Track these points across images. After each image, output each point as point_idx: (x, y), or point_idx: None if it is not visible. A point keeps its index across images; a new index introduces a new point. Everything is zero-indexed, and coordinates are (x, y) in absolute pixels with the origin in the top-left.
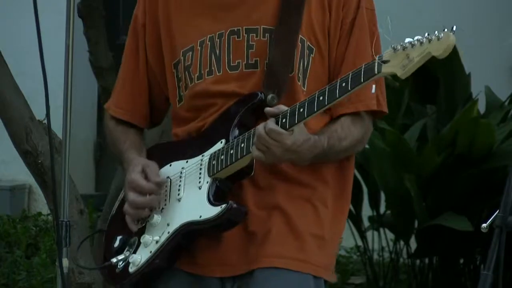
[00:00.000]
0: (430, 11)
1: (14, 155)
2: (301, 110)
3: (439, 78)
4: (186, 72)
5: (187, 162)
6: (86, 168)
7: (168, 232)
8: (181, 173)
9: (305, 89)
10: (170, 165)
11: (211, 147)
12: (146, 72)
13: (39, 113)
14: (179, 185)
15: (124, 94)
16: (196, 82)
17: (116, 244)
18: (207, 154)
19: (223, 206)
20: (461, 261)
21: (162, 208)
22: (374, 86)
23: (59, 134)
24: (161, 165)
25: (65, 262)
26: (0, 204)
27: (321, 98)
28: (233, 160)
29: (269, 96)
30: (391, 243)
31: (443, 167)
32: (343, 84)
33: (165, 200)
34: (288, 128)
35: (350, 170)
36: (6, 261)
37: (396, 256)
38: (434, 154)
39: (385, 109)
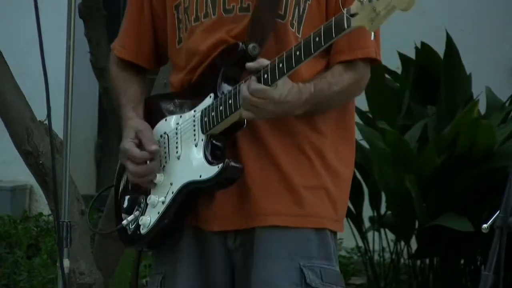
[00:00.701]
0: (431, 12)
1: (15, 155)
2: (280, 65)
3: (440, 79)
4: (185, 14)
5: (181, 117)
6: (87, 168)
7: (172, 192)
8: (176, 129)
9: (299, 36)
10: (166, 120)
11: (201, 101)
12: (150, 13)
13: (40, 114)
14: (177, 142)
15: (129, 35)
16: (193, 24)
17: (125, 204)
18: (198, 109)
19: (220, 165)
20: (462, 261)
21: (164, 166)
22: (373, 33)
23: (60, 135)
24: (157, 119)
25: (66, 262)
26: (1, 205)
27: (297, 53)
28: (223, 117)
29: (250, 46)
30: (391, 244)
31: (443, 167)
32: (317, 39)
33: (165, 158)
34: (271, 84)
35: (348, 116)
36: (7, 261)
37: (397, 257)
38: (434, 154)
39: (379, 57)
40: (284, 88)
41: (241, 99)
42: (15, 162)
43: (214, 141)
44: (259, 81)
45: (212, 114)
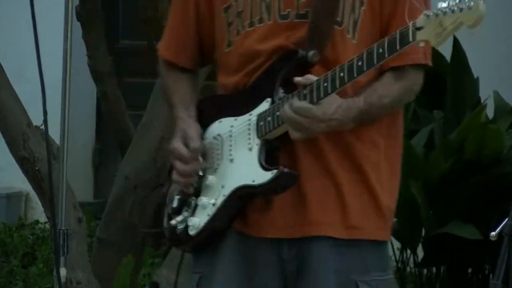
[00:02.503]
0: None
1: (10, 161)
2: (325, 84)
3: (447, 83)
4: (238, 18)
5: (236, 119)
6: (85, 175)
7: (224, 195)
8: (230, 131)
9: (355, 41)
10: (220, 122)
11: (257, 105)
12: (195, 14)
13: (37, 119)
14: (230, 145)
15: (172, 36)
16: (248, 29)
17: (175, 204)
18: (254, 113)
19: (274, 171)
20: (470, 270)
21: (216, 168)
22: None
23: (57, 140)
24: (211, 120)
25: (63, 271)
26: None
27: (359, 63)
28: (280, 123)
29: (310, 53)
30: (397, 252)
31: (450, 173)
32: (380, 50)
33: (218, 159)
34: (316, 101)
35: (399, 121)
36: (2, 270)
37: (403, 265)
38: (441, 160)
39: (430, 62)
40: (330, 105)
41: (284, 119)
42: (10, 168)
43: (269, 146)
44: (304, 98)
45: (268, 119)
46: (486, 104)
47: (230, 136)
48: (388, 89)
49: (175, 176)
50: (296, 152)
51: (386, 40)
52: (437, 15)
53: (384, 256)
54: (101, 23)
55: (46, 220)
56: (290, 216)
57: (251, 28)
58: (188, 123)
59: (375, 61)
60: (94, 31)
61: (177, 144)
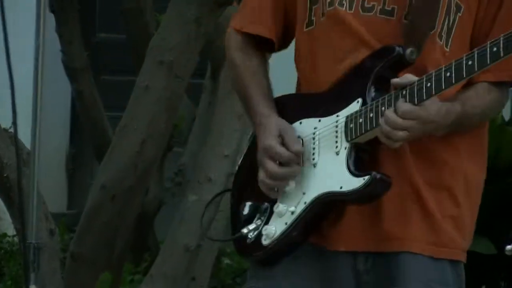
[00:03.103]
0: None
1: None
2: (429, 84)
3: None
4: None
5: (319, 121)
6: (58, 182)
7: (305, 203)
8: (314, 134)
9: (448, 50)
10: (301, 123)
11: (346, 106)
12: None
13: (5, 120)
14: (313, 148)
15: (263, 9)
16: (328, 9)
17: (246, 211)
18: (343, 115)
19: (366, 177)
20: (483, 287)
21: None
22: None
23: (27, 144)
24: (290, 122)
25: None
26: None
27: (447, 74)
28: (374, 125)
29: (408, 51)
30: None
31: None
32: (469, 63)
33: (298, 163)
34: (417, 103)
35: (483, 132)
36: None
37: None
38: None
39: None
40: (432, 108)
41: (388, 125)
42: None
43: (359, 151)
44: (405, 100)
45: (360, 121)
46: None
47: (313, 139)
48: (482, 99)
49: (263, 177)
50: (380, 160)
51: (475, 52)
52: None
53: (461, 279)
54: (76, 14)
55: (15, 232)
56: (367, 228)
57: (331, 8)
58: (283, 122)
59: (488, 61)
60: (69, 23)
61: (273, 143)
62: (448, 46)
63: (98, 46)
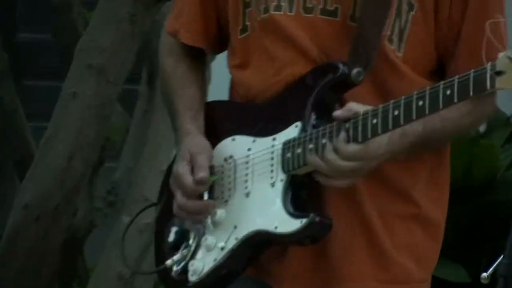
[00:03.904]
0: None
1: None
2: (375, 121)
3: None
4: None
5: (254, 141)
6: None
7: (236, 238)
8: (247, 157)
9: (400, 55)
10: (234, 140)
11: (284, 128)
12: None
13: None
14: (246, 174)
15: (193, 16)
16: (262, 16)
17: (171, 238)
18: (280, 139)
19: (304, 220)
20: None
21: (226, 200)
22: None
23: None
24: (220, 134)
25: None
26: None
27: (420, 103)
28: (308, 161)
29: (355, 71)
30: None
31: None
32: (448, 92)
33: (230, 189)
34: (361, 140)
35: (447, 155)
36: None
37: None
38: None
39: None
40: (381, 141)
41: (330, 168)
42: None
43: (297, 185)
44: (348, 138)
45: (298, 151)
46: None
47: (247, 162)
48: (455, 112)
49: (175, 209)
50: (327, 193)
51: (455, 81)
52: None
53: None
54: None
55: None
56: (312, 267)
57: (265, 15)
58: (197, 142)
59: (441, 105)
60: None
61: (183, 170)
62: (401, 50)
63: (20, 47)
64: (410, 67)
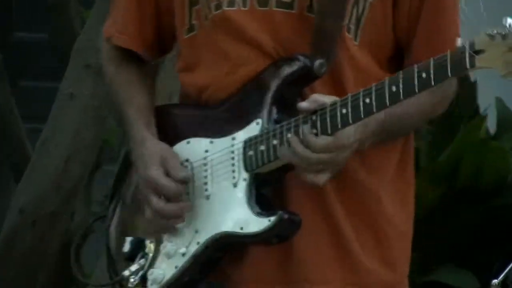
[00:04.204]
0: None
1: None
2: (343, 111)
3: None
4: None
5: (211, 142)
6: None
7: (198, 243)
8: (205, 158)
9: (357, 43)
10: (189, 142)
11: (244, 126)
12: None
13: None
14: (205, 176)
15: (129, 18)
16: (214, 12)
17: (126, 248)
18: (240, 138)
19: (272, 218)
20: None
21: None
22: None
23: None
24: (173, 139)
25: None
26: None
27: (393, 88)
28: (278, 155)
29: (317, 63)
30: None
31: (440, 205)
32: (423, 75)
33: (188, 193)
34: (330, 132)
35: (409, 143)
36: None
37: None
38: (428, 188)
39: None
40: (349, 128)
41: (300, 161)
42: None
43: (260, 184)
44: (313, 126)
45: (261, 148)
46: (486, 114)
47: (205, 164)
48: (416, 95)
49: (149, 216)
50: (289, 191)
51: (431, 62)
52: (505, 36)
53: None
54: None
55: None
56: (276, 269)
57: (218, 11)
58: (163, 146)
59: (416, 89)
60: None
61: (156, 173)
62: (357, 39)
63: (16, 46)
64: (366, 56)
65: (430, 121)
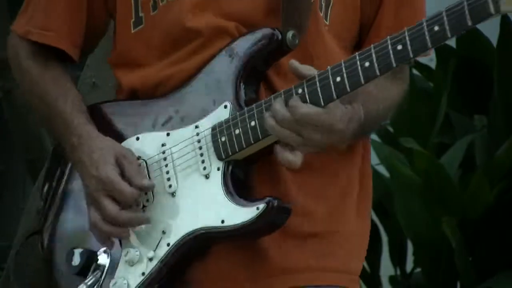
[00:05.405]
0: None
1: None
2: (338, 79)
3: (492, 76)
4: None
5: (168, 135)
6: None
7: (168, 244)
8: (163, 152)
9: (327, 22)
10: (138, 139)
11: (207, 113)
12: None
13: None
14: (167, 172)
15: (55, 12)
16: (162, 3)
17: (76, 261)
18: (205, 125)
19: (261, 206)
20: None
21: (144, 206)
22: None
23: None
24: (119, 137)
25: None
26: None
27: (398, 47)
28: (260, 136)
29: (289, 34)
30: None
31: (498, 206)
32: (436, 28)
33: (146, 193)
34: (323, 104)
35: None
36: None
37: None
38: (485, 187)
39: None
40: (337, 111)
41: (277, 127)
42: None
43: (237, 171)
44: (304, 98)
45: (237, 132)
46: None
47: (164, 159)
48: (386, 90)
49: (97, 220)
50: (250, 178)
51: (443, 13)
52: None
53: None
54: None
55: None
56: (241, 266)
57: (167, 1)
58: (116, 144)
59: (429, 44)
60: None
61: (112, 174)
62: (328, 18)
63: None
64: (332, 39)
65: (484, 111)
